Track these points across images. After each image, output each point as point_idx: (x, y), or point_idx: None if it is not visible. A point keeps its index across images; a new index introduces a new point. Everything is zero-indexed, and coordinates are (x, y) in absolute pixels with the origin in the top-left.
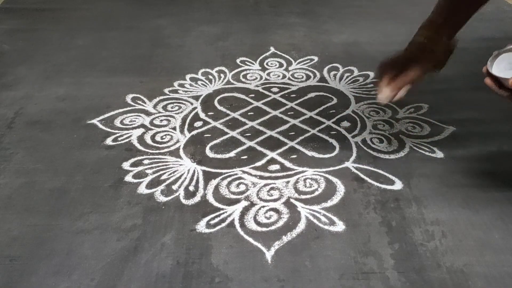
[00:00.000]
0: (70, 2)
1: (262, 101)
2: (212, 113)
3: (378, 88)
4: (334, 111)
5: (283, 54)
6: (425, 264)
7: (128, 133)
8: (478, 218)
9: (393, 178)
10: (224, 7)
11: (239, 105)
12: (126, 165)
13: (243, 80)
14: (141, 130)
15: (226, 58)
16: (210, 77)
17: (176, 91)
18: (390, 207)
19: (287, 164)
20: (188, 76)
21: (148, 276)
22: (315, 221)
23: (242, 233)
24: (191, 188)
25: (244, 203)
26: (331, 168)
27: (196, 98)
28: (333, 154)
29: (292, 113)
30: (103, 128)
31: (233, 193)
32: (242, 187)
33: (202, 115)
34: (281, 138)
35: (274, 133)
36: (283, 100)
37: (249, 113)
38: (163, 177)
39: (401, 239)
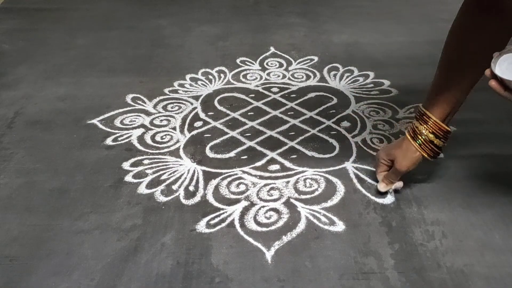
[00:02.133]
0: (70, 2)
1: (262, 101)
2: (212, 113)
3: (377, 175)
4: (334, 111)
5: (283, 54)
6: (425, 264)
7: (128, 133)
8: (479, 218)
9: None
10: (224, 7)
11: (239, 105)
12: (126, 165)
13: (243, 80)
14: (141, 130)
15: (226, 58)
16: (210, 77)
17: (176, 91)
18: (390, 207)
19: (287, 164)
20: (188, 76)
21: (148, 276)
22: (315, 221)
23: (242, 233)
24: (191, 188)
25: (244, 203)
26: (331, 168)
27: (196, 98)
28: (333, 154)
29: (292, 113)
30: (103, 128)
31: (233, 193)
32: (242, 187)
33: (202, 115)
34: (281, 138)
35: (274, 133)
36: (283, 100)
37: (249, 113)
38: (163, 177)
39: (401, 239)
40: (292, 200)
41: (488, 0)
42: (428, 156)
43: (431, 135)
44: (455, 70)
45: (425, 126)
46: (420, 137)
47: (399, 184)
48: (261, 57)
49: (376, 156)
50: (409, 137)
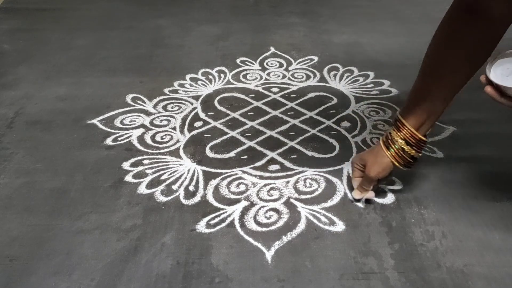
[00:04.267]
0: (70, 2)
1: (262, 101)
2: (212, 113)
3: (352, 181)
4: (334, 111)
5: (283, 54)
6: (425, 264)
7: (128, 133)
8: (478, 218)
9: (393, 178)
10: (224, 7)
11: (239, 105)
12: (126, 165)
13: (243, 80)
14: (141, 130)
15: (226, 58)
16: (210, 77)
17: (176, 91)
18: (390, 207)
19: (287, 164)
20: (188, 76)
21: (148, 276)
22: (315, 221)
23: (242, 233)
24: (191, 188)
25: (244, 203)
26: (331, 168)
27: (196, 98)
28: (333, 154)
29: (292, 113)
30: (103, 128)
31: (233, 193)
32: (242, 187)
33: (202, 115)
34: (281, 138)
35: (274, 133)
36: (283, 100)
37: (249, 113)
38: (163, 177)
39: (401, 239)
40: (292, 200)
41: (475, 7)
42: (398, 164)
43: (402, 142)
44: (435, 77)
45: (398, 133)
46: (392, 144)
47: (370, 195)
48: (261, 57)
49: (351, 161)
50: (381, 143)
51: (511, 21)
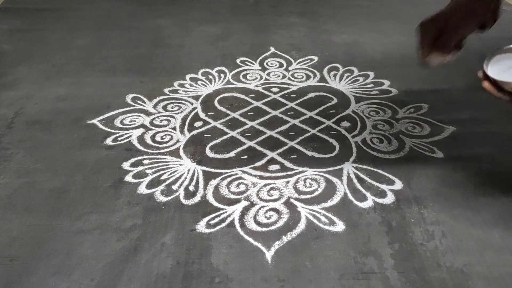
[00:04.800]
0: (70, 2)
1: (262, 101)
2: (212, 113)
3: (421, 51)
4: (334, 111)
5: (283, 54)
6: (425, 264)
7: (128, 133)
8: (478, 218)
9: (393, 178)
10: (224, 7)
11: (239, 105)
12: (126, 165)
13: (243, 80)
14: (141, 130)
15: (226, 58)
16: (210, 77)
17: (176, 91)
18: (390, 207)
19: (287, 164)
20: (188, 76)
21: (148, 276)
22: (315, 221)
23: (242, 233)
24: (191, 188)
25: (244, 203)
26: (331, 168)
27: (196, 98)
28: (333, 154)
29: (292, 113)
30: (103, 128)
31: (233, 193)
32: (242, 187)
33: (202, 115)
34: (281, 138)
35: (274, 133)
36: (283, 100)
37: (249, 113)
38: (163, 177)
39: (401, 239)
40: (292, 200)
41: None
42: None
43: None
44: None
45: None
46: None
47: (451, 57)
48: (261, 57)
49: (419, 26)
50: None
51: None
